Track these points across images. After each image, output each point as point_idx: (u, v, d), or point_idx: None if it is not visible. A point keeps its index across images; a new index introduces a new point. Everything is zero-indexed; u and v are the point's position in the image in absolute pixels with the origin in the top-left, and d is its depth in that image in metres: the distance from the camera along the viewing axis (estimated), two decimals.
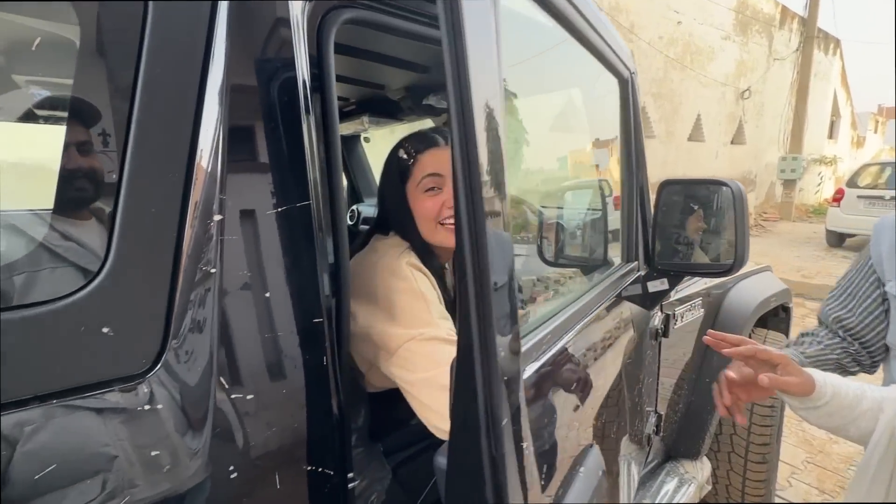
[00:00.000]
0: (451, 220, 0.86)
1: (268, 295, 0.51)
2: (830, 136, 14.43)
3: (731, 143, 10.55)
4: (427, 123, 1.67)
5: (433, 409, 0.70)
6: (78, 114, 0.50)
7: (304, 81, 0.56)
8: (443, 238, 0.87)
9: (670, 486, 1.41)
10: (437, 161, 0.87)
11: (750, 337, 1.71)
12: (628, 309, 1.03)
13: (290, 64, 0.54)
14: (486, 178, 0.39)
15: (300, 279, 0.55)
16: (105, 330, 0.41)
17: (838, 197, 7.21)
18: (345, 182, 2.55)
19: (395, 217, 0.92)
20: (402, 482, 0.97)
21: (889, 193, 6.54)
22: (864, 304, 0.92)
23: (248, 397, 0.49)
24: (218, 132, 0.48)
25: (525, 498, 0.42)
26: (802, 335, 1.03)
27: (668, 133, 8.81)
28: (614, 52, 0.88)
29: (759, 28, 10.35)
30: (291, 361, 0.53)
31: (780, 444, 1.74)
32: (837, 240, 7.43)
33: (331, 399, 0.58)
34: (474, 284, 0.38)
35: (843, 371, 0.94)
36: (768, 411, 1.62)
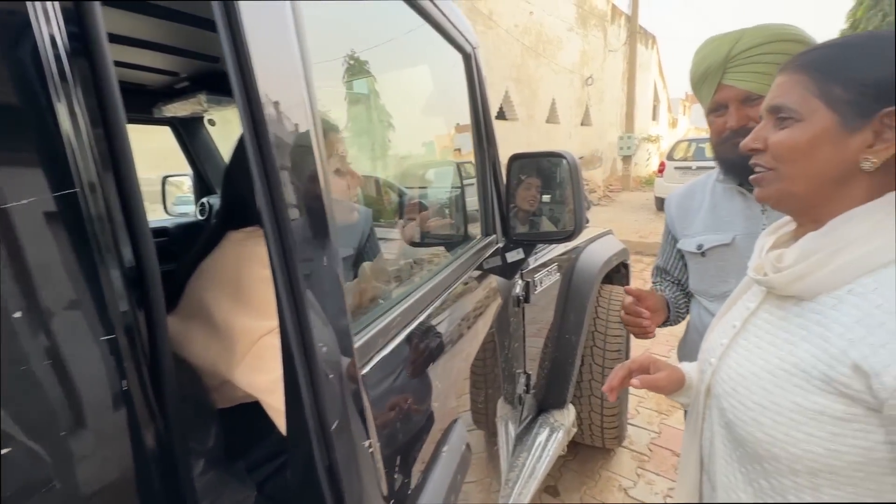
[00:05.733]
0: (355, 198, 0.91)
1: (18, 315, 0.39)
2: (654, 118, 17.21)
3: (581, 124, 11.92)
4: None
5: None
6: None
7: (50, 39, 0.43)
8: (347, 217, 0.90)
9: (542, 436, 1.55)
10: (339, 141, 0.85)
11: (600, 294, 1.95)
12: (490, 280, 1.07)
13: (23, 18, 0.41)
14: (283, 159, 0.34)
15: (73, 288, 0.43)
16: None
17: (661, 169, 8.66)
18: (191, 172, 2.23)
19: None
20: (270, 497, 0.88)
21: (695, 164, 8.04)
22: (671, 255, 1.11)
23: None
24: None
25: (364, 498, 0.39)
26: (653, 289, 1.19)
27: (529, 116, 9.57)
28: (455, 26, 0.88)
29: (595, 22, 11.73)
30: (66, 397, 0.42)
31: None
32: (663, 205, 8.97)
33: (142, 431, 0.48)
34: (284, 278, 0.33)
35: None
36: (616, 356, 1.88)
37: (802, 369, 0.51)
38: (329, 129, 0.80)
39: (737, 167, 0.89)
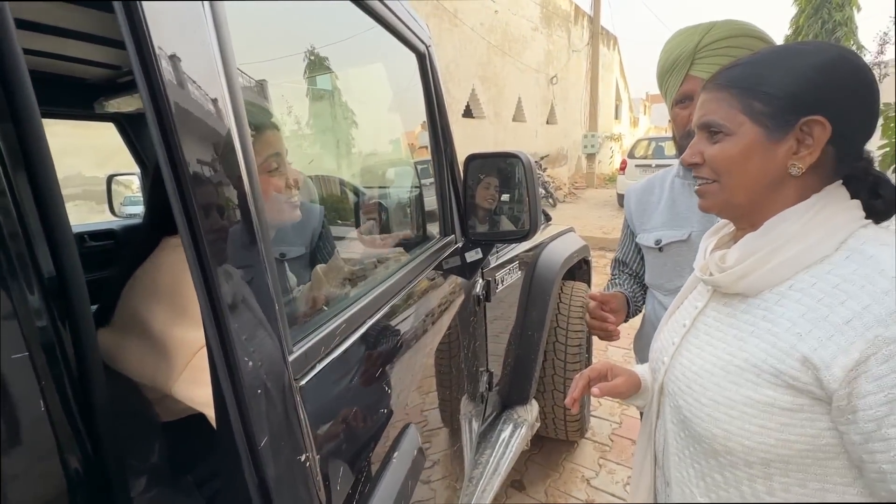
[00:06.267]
0: (296, 197, 0.84)
1: None
2: (616, 117, 17.73)
3: (547, 123, 12.13)
4: None
5: None
6: None
7: None
8: (290, 215, 0.84)
9: (506, 432, 1.57)
10: (277, 139, 0.81)
11: (562, 290, 1.99)
12: (449, 280, 1.07)
13: None
14: (195, 162, 0.32)
15: None
16: None
17: (623, 166, 8.95)
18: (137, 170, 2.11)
19: None
20: None
21: (655, 162, 8.35)
22: (630, 248, 1.14)
23: None
24: None
25: None
26: (611, 280, 1.22)
27: (496, 114, 9.65)
28: (406, 24, 0.87)
29: (559, 22, 11.94)
30: None
31: None
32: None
33: (66, 454, 0.45)
34: (203, 289, 0.32)
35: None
36: (577, 350, 1.92)
37: (753, 364, 0.54)
38: (265, 128, 0.78)
39: None
